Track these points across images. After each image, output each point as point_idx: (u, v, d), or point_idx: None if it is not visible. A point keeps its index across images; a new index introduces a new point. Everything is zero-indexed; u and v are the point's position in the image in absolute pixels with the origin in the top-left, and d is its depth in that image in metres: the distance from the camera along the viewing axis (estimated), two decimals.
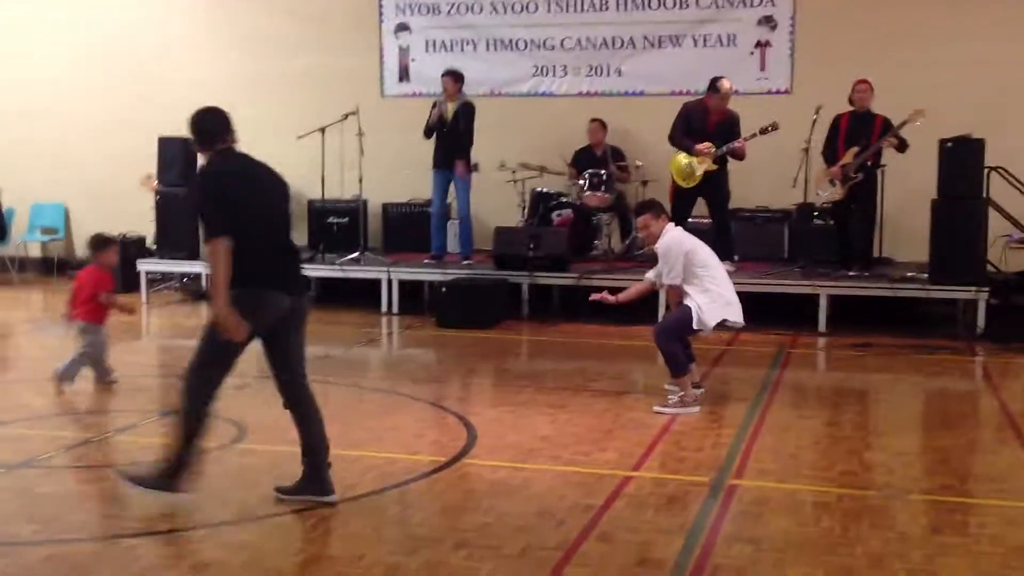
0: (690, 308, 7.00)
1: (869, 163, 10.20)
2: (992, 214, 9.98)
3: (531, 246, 10.58)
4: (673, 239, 7.13)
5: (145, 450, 5.94)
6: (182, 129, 11.86)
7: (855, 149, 10.17)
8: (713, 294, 7.02)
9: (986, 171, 9.82)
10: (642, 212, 7.33)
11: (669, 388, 7.21)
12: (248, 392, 7.31)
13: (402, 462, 5.79)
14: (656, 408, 6.96)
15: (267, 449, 5.96)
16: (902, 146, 10.10)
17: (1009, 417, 6.80)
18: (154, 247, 12.20)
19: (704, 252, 7.16)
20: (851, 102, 10.33)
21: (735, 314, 7.15)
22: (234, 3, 13.55)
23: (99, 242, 7.67)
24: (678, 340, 7.09)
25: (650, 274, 7.42)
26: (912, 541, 4.65)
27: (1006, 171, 10.15)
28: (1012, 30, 11.34)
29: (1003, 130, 10.34)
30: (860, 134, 10.19)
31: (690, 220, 10.93)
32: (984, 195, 9.82)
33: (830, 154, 10.36)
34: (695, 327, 7.01)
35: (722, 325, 7.14)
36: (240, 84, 13.47)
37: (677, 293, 7.24)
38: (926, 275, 9.76)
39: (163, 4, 13.75)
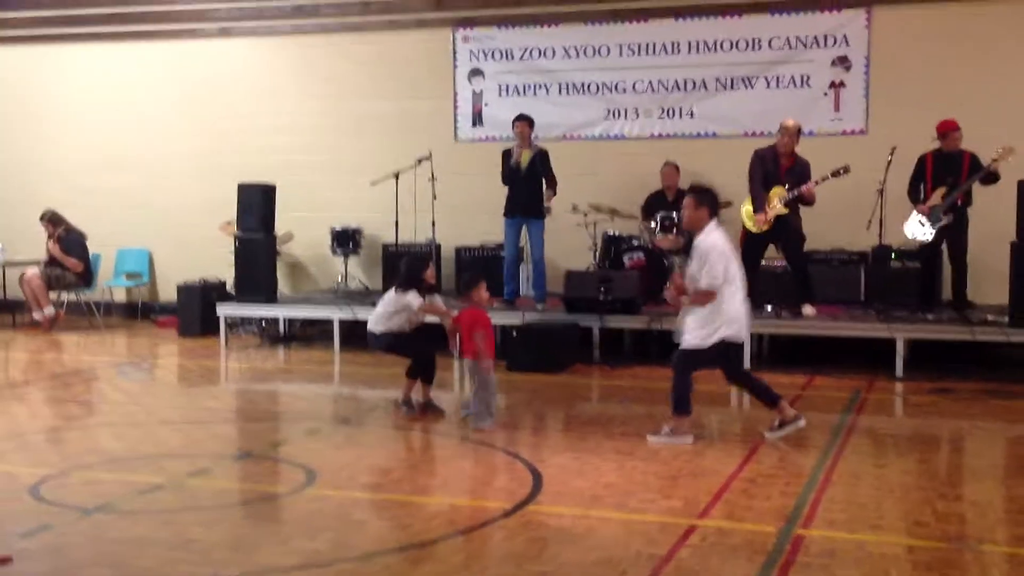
0: (687, 349, 7.04)
1: (959, 203, 10.05)
2: None
3: (602, 289, 10.59)
4: (719, 241, 7.02)
5: (218, 494, 6.07)
6: (261, 175, 12.35)
7: (943, 189, 10.04)
8: (719, 311, 6.95)
9: None
10: (691, 192, 7.27)
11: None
12: (320, 436, 7.45)
13: (468, 508, 5.83)
14: (649, 437, 7.15)
15: (337, 495, 6.03)
16: (994, 178, 9.90)
17: None
18: (233, 291, 12.46)
19: (735, 265, 7.07)
20: (941, 141, 10.18)
21: (736, 332, 7.08)
22: (313, 50, 13.88)
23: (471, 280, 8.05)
24: (689, 374, 7.13)
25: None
26: None
27: None
28: None
29: None
30: (948, 173, 10.04)
31: (764, 262, 10.91)
32: None
33: (915, 194, 10.23)
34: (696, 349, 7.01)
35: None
36: (317, 130, 13.80)
37: (680, 290, 7.14)
38: (1006, 319, 9.54)
39: (245, 52, 14.15)
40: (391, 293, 8.28)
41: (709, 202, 7.16)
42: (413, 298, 8.10)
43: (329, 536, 5.28)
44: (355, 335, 11.55)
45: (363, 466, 6.72)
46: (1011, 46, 11.42)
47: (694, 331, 7.12)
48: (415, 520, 5.51)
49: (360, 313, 11.41)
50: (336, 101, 13.78)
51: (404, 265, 8.48)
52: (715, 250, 6.98)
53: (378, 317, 8.25)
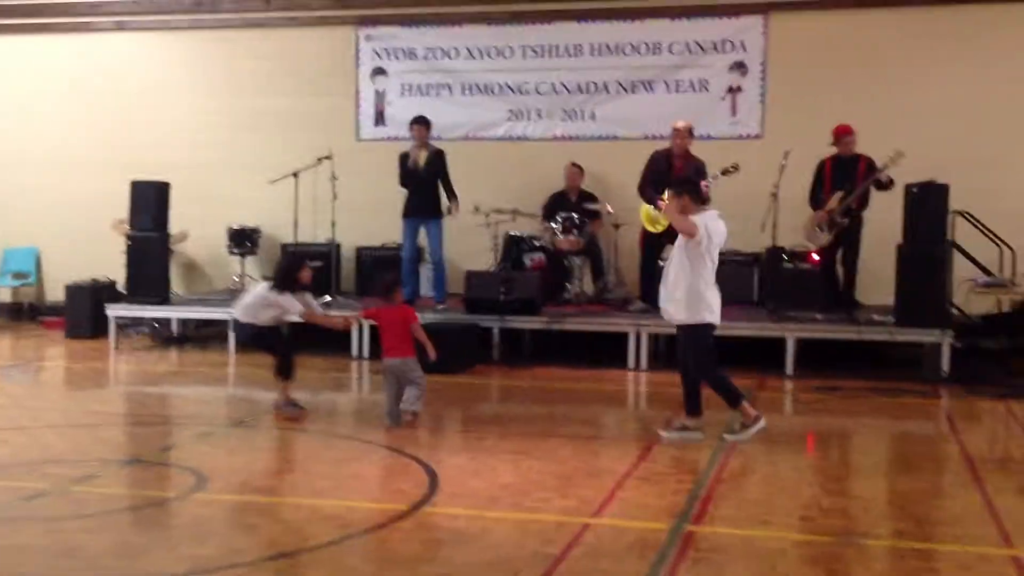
0: (688, 331, 7.12)
1: (854, 207, 10.32)
2: (957, 258, 10.09)
3: (503, 290, 10.62)
4: (705, 217, 7.18)
5: (105, 500, 5.92)
6: (156, 173, 12.07)
7: (840, 194, 10.31)
8: (702, 297, 7.12)
9: (951, 216, 9.93)
10: (669, 187, 7.41)
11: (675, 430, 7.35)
12: (211, 440, 7.32)
13: (362, 511, 5.78)
14: (661, 432, 7.24)
15: (228, 499, 5.93)
16: (887, 184, 10.20)
17: (969, 461, 6.84)
18: (124, 292, 12.17)
19: (715, 241, 7.18)
20: (836, 146, 10.47)
21: (715, 319, 7.23)
22: (211, 45, 13.66)
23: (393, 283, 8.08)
24: (716, 365, 7.26)
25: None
26: None
27: (970, 215, 10.27)
28: (975, 76, 11.52)
29: (967, 175, 10.48)
30: (845, 178, 10.32)
31: (661, 263, 11.05)
32: (948, 239, 9.92)
33: (816, 200, 10.48)
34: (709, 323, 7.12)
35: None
36: (215, 127, 13.58)
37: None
38: (892, 318, 9.83)
39: (140, 47, 13.86)
40: (264, 287, 8.21)
41: (688, 189, 7.31)
42: (291, 303, 8.02)
43: (219, 541, 5.19)
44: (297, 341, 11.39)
45: (256, 470, 6.62)
46: (903, 53, 11.77)
47: (683, 311, 7.21)
48: (308, 523, 5.45)
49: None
50: (235, 98, 13.57)
51: (282, 263, 8.48)
52: (703, 217, 7.11)
53: (247, 307, 8.17)
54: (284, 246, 12.58)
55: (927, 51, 11.71)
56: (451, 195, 11.25)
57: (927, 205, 9.72)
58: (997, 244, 10.31)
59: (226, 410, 8.90)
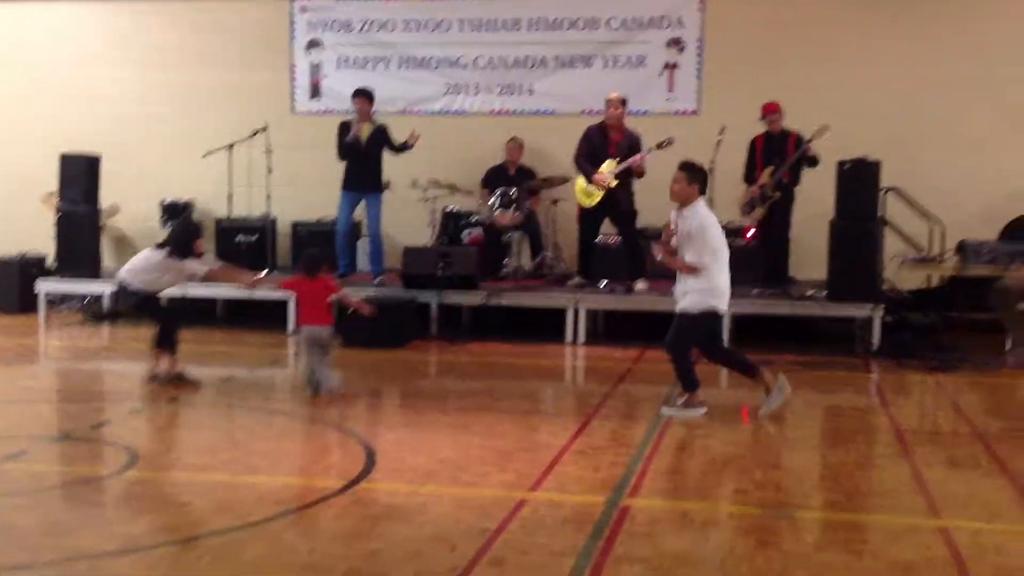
0: (684, 313, 7.20)
1: (785, 180, 10.45)
2: (888, 233, 10.26)
3: (441, 265, 10.58)
4: (712, 218, 7.19)
5: (35, 477, 5.81)
6: (85, 145, 11.82)
7: (770, 169, 10.43)
8: (710, 282, 7.14)
9: (882, 192, 10.08)
10: (684, 169, 7.31)
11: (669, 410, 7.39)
12: (144, 416, 7.22)
13: (298, 487, 5.74)
14: (663, 410, 7.31)
15: (160, 476, 5.86)
16: (813, 161, 10.38)
17: (898, 433, 6.98)
18: (54, 267, 11.92)
19: (723, 240, 7.24)
20: (765, 124, 10.59)
21: (723, 303, 7.27)
22: (143, 17, 13.39)
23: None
24: (689, 350, 7.31)
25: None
26: (796, 558, 4.73)
27: (902, 191, 10.43)
28: (906, 54, 11.69)
29: (899, 152, 10.65)
30: (775, 153, 10.44)
31: (599, 239, 11.11)
32: (880, 215, 10.07)
33: (750, 176, 10.58)
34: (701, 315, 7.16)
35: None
36: (148, 100, 13.34)
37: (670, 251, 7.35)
38: (825, 293, 9.97)
39: (68, 20, 13.52)
40: (158, 253, 8.09)
41: (700, 180, 7.31)
42: (194, 267, 8.02)
43: (151, 519, 5.13)
44: (185, 313, 11.22)
45: (189, 446, 6.56)
46: (837, 31, 11.90)
47: (688, 296, 7.25)
48: (242, 501, 5.39)
49: (191, 289, 11.08)
50: (168, 71, 13.32)
51: (178, 230, 8.38)
52: (711, 227, 7.14)
53: (136, 272, 8.11)
54: (219, 220, 12.41)
55: (860, 30, 11.85)
56: (403, 148, 11.14)
57: (859, 181, 9.86)
58: (927, 220, 10.50)
59: (158, 386, 8.76)
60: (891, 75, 11.72)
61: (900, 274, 10.12)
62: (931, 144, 11.54)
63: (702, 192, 7.32)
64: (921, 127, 11.56)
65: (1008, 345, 9.93)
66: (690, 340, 7.35)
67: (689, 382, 7.35)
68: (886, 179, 10.05)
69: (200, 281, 8.26)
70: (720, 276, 7.19)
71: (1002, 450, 6.51)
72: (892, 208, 10.42)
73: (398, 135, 11.32)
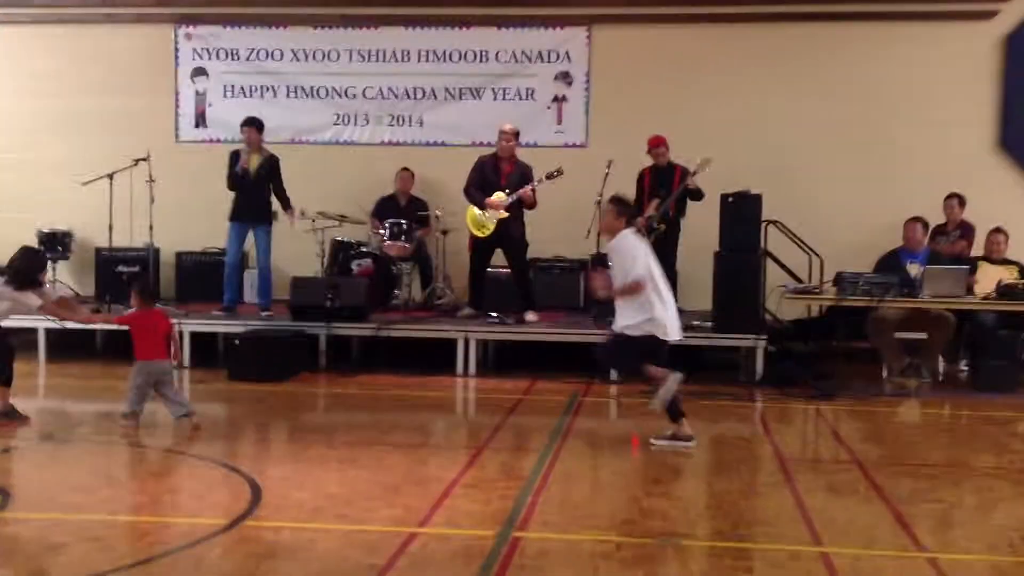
0: (621, 333, 7.29)
1: (671, 212, 10.64)
2: (770, 265, 10.53)
3: (329, 296, 10.46)
4: (632, 240, 7.33)
5: None
6: None
7: (656, 201, 10.62)
8: (645, 309, 7.23)
9: (764, 225, 10.34)
10: (614, 203, 7.48)
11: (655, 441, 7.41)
12: (18, 455, 6.97)
13: (180, 526, 5.59)
14: (652, 440, 7.34)
15: (35, 517, 5.64)
16: (697, 195, 10.60)
17: (782, 462, 7.14)
18: None
19: (656, 268, 7.36)
20: (651, 157, 10.80)
21: (667, 332, 7.32)
22: (22, 42, 13.00)
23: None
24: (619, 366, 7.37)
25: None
26: None
27: (782, 224, 10.72)
28: (785, 92, 12.06)
29: (779, 185, 10.95)
30: (661, 186, 10.62)
31: (489, 270, 11.15)
32: (762, 247, 10.33)
33: (637, 209, 10.72)
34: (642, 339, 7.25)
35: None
36: (25, 127, 12.96)
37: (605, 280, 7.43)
38: (710, 323, 10.15)
39: None
40: None
41: (629, 214, 7.49)
42: (30, 299, 7.73)
43: (23, 562, 4.93)
44: (63, 345, 10.90)
45: (66, 485, 6.31)
46: (719, 67, 12.19)
47: (625, 318, 7.32)
48: (122, 541, 5.24)
49: (68, 322, 10.74)
50: (47, 97, 12.96)
51: (20, 260, 7.85)
52: (628, 246, 7.28)
53: None
54: (99, 250, 12.09)
55: (743, 68, 12.17)
56: (285, 203, 11.02)
57: (742, 214, 10.09)
58: (806, 252, 10.80)
59: (35, 423, 8.45)
60: (771, 112, 12.07)
61: (782, 304, 10.37)
62: (809, 179, 11.90)
63: (629, 224, 7.46)
64: (799, 162, 11.92)
65: (885, 374, 10.28)
66: (623, 359, 7.43)
67: (673, 413, 7.38)
68: (767, 212, 10.32)
69: (32, 314, 7.98)
70: (658, 307, 7.28)
71: (879, 477, 6.71)
72: (773, 240, 10.70)
73: (285, 165, 11.20)
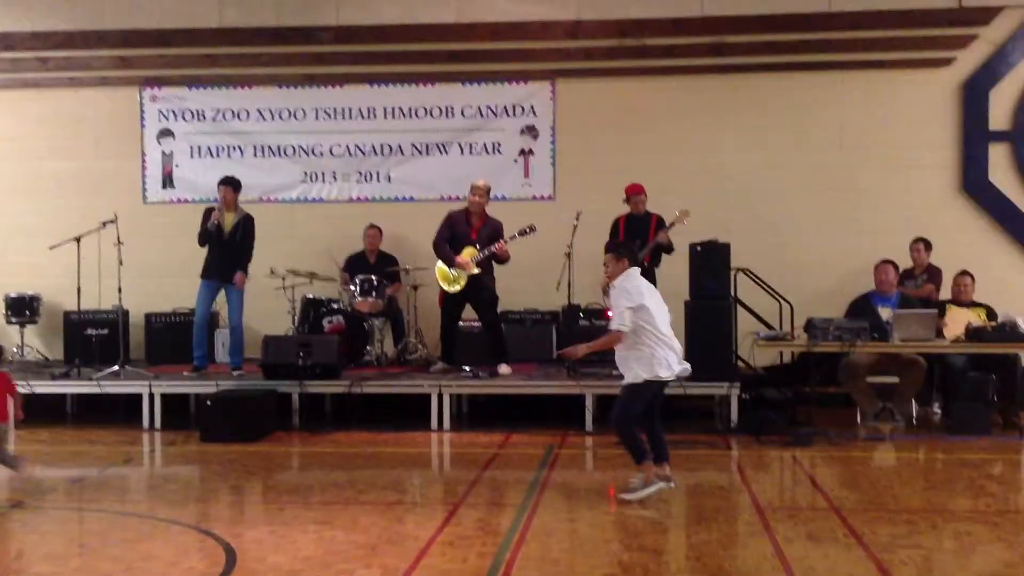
0: (626, 385, 7.32)
1: (646, 263, 10.66)
2: (741, 312, 10.57)
3: (301, 354, 10.40)
4: (632, 283, 7.35)
5: None
6: None
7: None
8: (646, 357, 7.24)
9: (733, 273, 10.41)
10: (611, 251, 7.60)
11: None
12: None
13: None
14: (621, 496, 7.27)
15: None
16: (668, 249, 10.65)
17: (759, 510, 7.12)
18: None
19: (660, 306, 7.40)
20: (628, 205, 10.86)
21: (664, 372, 7.33)
22: None
23: None
24: (635, 423, 7.35)
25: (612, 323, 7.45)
26: None
27: (751, 272, 10.80)
28: (748, 143, 12.23)
29: (746, 233, 11.06)
30: (636, 235, 10.66)
31: (461, 324, 11.14)
32: (732, 295, 10.39)
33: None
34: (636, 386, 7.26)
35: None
36: None
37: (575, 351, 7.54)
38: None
39: None
40: None
41: (628, 255, 7.56)
42: None
43: None
44: (33, 410, 10.72)
45: (38, 554, 6.20)
46: (680, 121, 12.35)
47: (630, 370, 7.35)
48: None
49: (38, 387, 10.65)
50: (10, 161, 12.94)
51: None
52: (630, 286, 7.33)
53: None
54: (67, 314, 11.99)
55: (705, 120, 12.32)
56: (244, 264, 10.99)
57: (711, 263, 10.16)
58: (776, 299, 10.87)
59: (5, 490, 8.31)
60: (736, 161, 12.21)
61: (754, 352, 10.40)
62: (776, 226, 12.03)
63: (632, 263, 7.52)
64: (766, 210, 12.05)
65: (859, 418, 10.31)
66: (635, 411, 7.40)
67: (638, 454, 7.39)
68: (736, 260, 10.40)
69: None
70: (658, 348, 7.31)
71: (858, 523, 6.71)
72: (743, 288, 10.76)
73: (258, 222, 11.17)
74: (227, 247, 10.92)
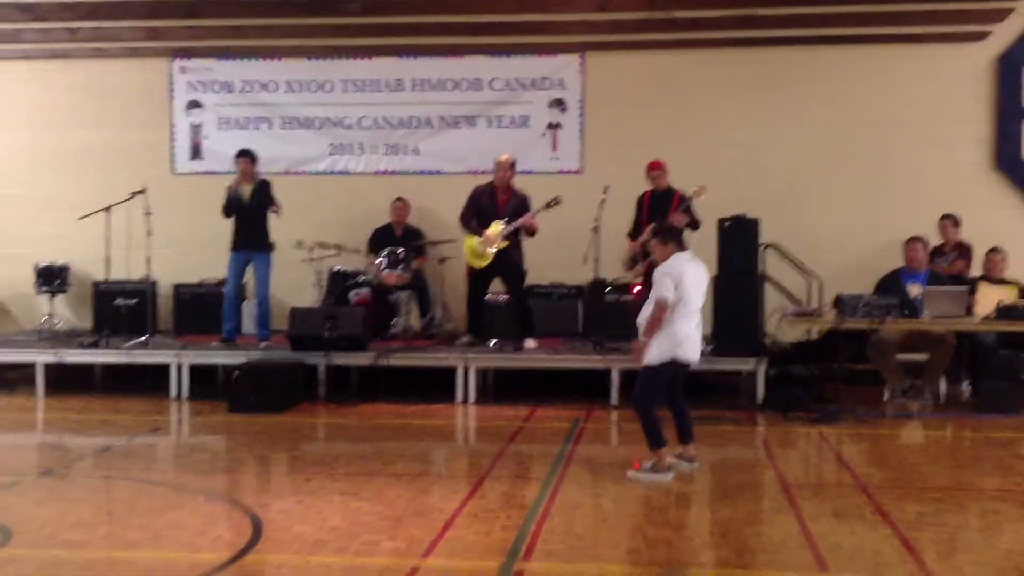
0: (645, 366, 7.27)
1: None
2: (769, 288, 10.51)
3: (328, 326, 10.43)
4: (674, 264, 7.28)
5: None
6: None
7: (652, 226, 10.56)
8: (667, 332, 7.19)
9: (762, 248, 10.34)
10: (656, 235, 7.54)
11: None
12: (18, 490, 6.92)
13: (182, 562, 5.54)
14: (629, 474, 7.21)
15: (35, 554, 5.59)
16: (693, 224, 10.56)
17: (784, 487, 7.09)
18: None
19: (694, 289, 7.30)
20: (650, 181, 10.79)
21: (686, 352, 7.29)
22: (13, 77, 13.03)
23: None
24: (655, 404, 7.32)
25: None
26: None
27: (780, 248, 10.72)
28: (779, 118, 12.14)
29: (776, 208, 10.96)
30: (659, 211, 10.60)
31: (487, 297, 11.13)
32: (760, 271, 10.32)
33: (636, 232, 10.72)
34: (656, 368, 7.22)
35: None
36: (19, 163, 12.99)
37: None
38: (710, 347, 10.12)
39: None
40: None
41: (673, 239, 7.44)
42: None
43: None
44: (62, 379, 10.87)
45: (67, 522, 6.26)
46: (710, 90, 12.26)
47: (651, 354, 7.29)
48: None
49: (67, 356, 10.75)
50: (40, 132, 13.02)
51: None
52: (672, 268, 7.24)
53: None
54: (96, 284, 12.09)
55: (733, 90, 12.23)
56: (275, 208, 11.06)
57: (739, 238, 10.10)
58: (805, 275, 10.79)
59: (35, 458, 8.42)
60: (766, 135, 12.11)
61: (781, 328, 10.35)
62: (806, 201, 11.93)
63: (679, 247, 7.42)
64: (796, 185, 11.96)
65: (886, 395, 10.25)
66: (655, 393, 7.36)
67: (655, 439, 7.32)
68: (765, 236, 10.32)
69: None
70: (681, 323, 7.24)
71: (885, 501, 6.67)
72: (771, 264, 10.69)
73: (281, 196, 11.20)
74: (250, 216, 10.96)
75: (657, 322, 7.24)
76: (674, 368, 7.35)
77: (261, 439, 8.74)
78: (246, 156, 11.11)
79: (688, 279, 7.28)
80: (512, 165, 10.78)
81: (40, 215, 12.80)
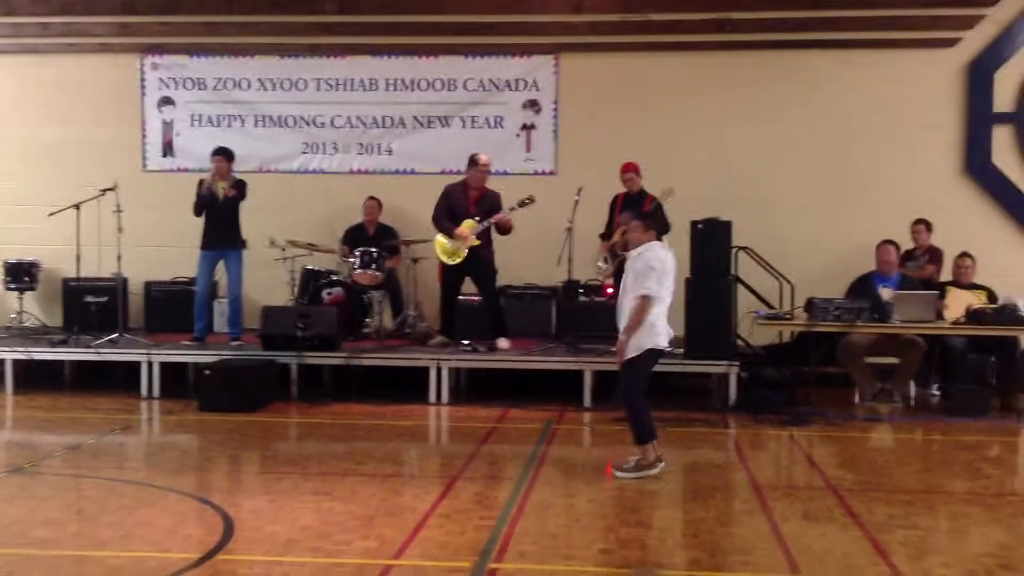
0: (628, 360, 7.32)
1: None
2: (741, 291, 10.55)
3: (300, 325, 10.38)
4: (654, 255, 7.35)
5: None
6: None
7: (623, 228, 10.61)
8: (645, 324, 7.28)
9: (734, 251, 10.38)
10: (640, 218, 7.65)
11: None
12: None
13: (151, 561, 5.50)
14: (616, 473, 7.26)
15: (4, 553, 5.53)
16: (662, 228, 10.57)
17: (756, 489, 7.13)
18: None
19: (669, 279, 7.41)
20: (623, 183, 10.82)
21: (661, 340, 7.42)
22: None
23: None
24: (644, 395, 7.42)
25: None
26: None
27: (751, 251, 10.76)
28: (752, 121, 12.16)
29: (748, 211, 10.99)
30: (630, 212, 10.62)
31: (460, 298, 11.12)
32: (732, 273, 10.36)
33: (608, 234, 10.75)
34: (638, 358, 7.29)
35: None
36: None
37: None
38: (682, 350, 10.15)
39: None
40: None
41: (655, 226, 7.60)
42: None
43: None
44: (31, 376, 10.76)
45: (35, 520, 6.20)
46: (684, 93, 12.28)
47: (631, 348, 7.35)
48: None
49: (36, 353, 10.66)
50: (9, 128, 12.86)
51: None
52: (653, 257, 7.34)
53: None
54: (66, 281, 11.98)
55: (707, 93, 12.24)
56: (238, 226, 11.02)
57: (711, 241, 10.12)
58: (776, 278, 10.84)
59: (3, 455, 8.33)
60: (739, 139, 12.15)
61: (753, 330, 10.39)
62: (778, 205, 11.98)
63: (659, 236, 7.55)
64: (768, 188, 12.00)
65: (857, 398, 10.32)
66: (641, 384, 7.43)
67: (642, 433, 7.38)
68: (737, 239, 10.36)
69: None
70: (656, 313, 7.34)
71: (855, 503, 6.72)
72: (743, 267, 10.73)
73: (254, 194, 11.16)
74: (222, 215, 10.89)
75: (643, 318, 7.28)
76: (653, 357, 7.41)
77: (233, 438, 8.69)
78: (223, 154, 11.05)
79: (668, 272, 7.39)
80: (488, 167, 10.81)
81: (9, 211, 12.65)
